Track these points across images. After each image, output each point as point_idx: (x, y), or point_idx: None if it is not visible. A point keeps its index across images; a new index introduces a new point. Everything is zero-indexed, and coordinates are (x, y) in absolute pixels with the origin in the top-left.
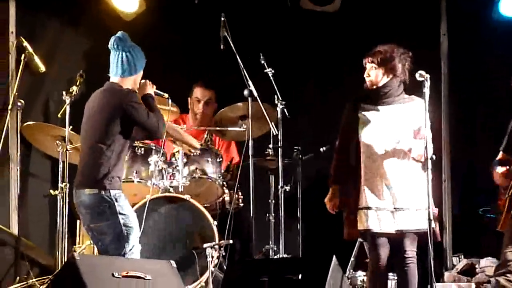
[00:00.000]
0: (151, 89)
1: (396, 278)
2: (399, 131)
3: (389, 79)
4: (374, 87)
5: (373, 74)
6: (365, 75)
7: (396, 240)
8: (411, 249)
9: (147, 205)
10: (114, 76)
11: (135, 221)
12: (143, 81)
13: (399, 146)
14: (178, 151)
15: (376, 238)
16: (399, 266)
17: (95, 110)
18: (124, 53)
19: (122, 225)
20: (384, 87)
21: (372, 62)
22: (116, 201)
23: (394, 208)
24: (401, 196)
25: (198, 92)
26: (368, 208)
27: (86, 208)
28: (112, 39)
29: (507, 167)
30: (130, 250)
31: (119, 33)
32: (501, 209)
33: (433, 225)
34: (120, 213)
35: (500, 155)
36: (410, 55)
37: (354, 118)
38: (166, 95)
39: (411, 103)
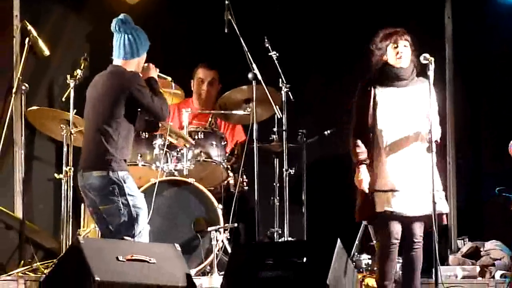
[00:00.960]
0: (154, 73)
1: (401, 261)
2: (417, 113)
3: (410, 60)
4: (402, 65)
5: (406, 53)
6: (400, 52)
7: (406, 223)
8: (420, 234)
9: (156, 188)
10: (117, 58)
11: (143, 203)
12: (146, 64)
13: (420, 129)
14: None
15: (395, 220)
16: (406, 250)
17: (99, 93)
18: (126, 36)
19: (131, 206)
20: (407, 68)
21: (407, 40)
22: (125, 183)
23: (416, 192)
24: (421, 179)
25: (201, 72)
26: (395, 190)
27: (94, 190)
28: (114, 21)
29: None
30: (140, 232)
31: (121, 16)
32: None
33: (446, 207)
34: (129, 194)
35: None
36: None
37: (370, 101)
38: (169, 78)
39: (422, 85)
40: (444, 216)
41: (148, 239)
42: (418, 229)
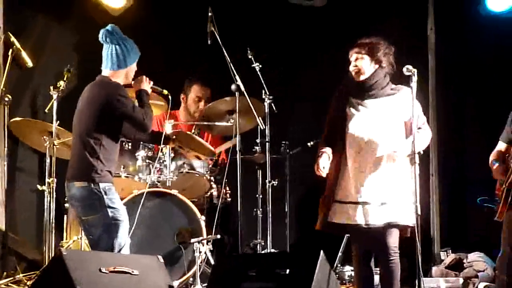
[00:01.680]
0: (147, 85)
1: (379, 272)
2: (388, 126)
3: (375, 69)
4: (361, 78)
5: (360, 64)
6: (351, 66)
7: (381, 235)
8: (394, 244)
9: (143, 199)
10: (105, 69)
11: (125, 215)
12: (139, 77)
13: (389, 148)
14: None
15: (360, 232)
16: (383, 260)
17: (84, 104)
18: (114, 46)
19: (111, 218)
20: (371, 78)
21: (359, 52)
22: (106, 194)
23: (381, 203)
24: (388, 191)
25: (198, 90)
26: (356, 203)
27: (77, 201)
28: (101, 32)
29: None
30: (120, 244)
31: (108, 26)
32: (498, 197)
33: (412, 220)
34: (109, 206)
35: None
36: (392, 49)
37: (342, 112)
38: (166, 92)
39: (399, 94)
40: (409, 229)
41: (128, 253)
42: (391, 240)
